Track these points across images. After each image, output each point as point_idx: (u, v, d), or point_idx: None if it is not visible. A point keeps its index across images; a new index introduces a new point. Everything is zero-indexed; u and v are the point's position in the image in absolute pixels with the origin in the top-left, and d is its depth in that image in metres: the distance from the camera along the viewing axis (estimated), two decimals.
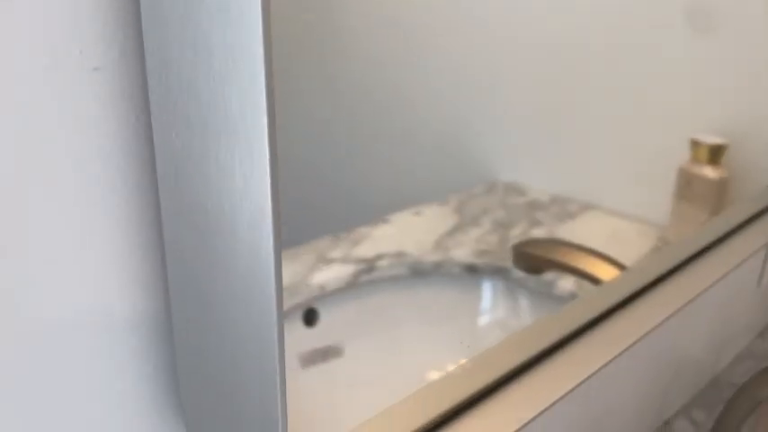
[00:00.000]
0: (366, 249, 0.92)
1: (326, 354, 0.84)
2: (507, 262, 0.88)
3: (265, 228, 0.27)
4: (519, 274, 0.80)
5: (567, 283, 0.71)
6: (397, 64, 1.24)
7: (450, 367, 0.49)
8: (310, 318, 0.88)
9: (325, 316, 0.85)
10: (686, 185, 0.94)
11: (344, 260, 0.89)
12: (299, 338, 0.88)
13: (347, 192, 1.33)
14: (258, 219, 0.27)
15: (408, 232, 1.00)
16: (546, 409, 0.33)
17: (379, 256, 0.91)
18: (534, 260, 0.56)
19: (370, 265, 0.90)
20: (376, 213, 1.07)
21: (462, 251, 0.97)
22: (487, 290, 0.92)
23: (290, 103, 1.09)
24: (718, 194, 0.85)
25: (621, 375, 0.46)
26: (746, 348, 0.70)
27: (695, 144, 0.93)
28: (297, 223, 1.30)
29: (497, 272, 0.89)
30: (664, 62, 0.98)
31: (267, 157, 0.27)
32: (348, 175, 1.33)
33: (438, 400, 0.30)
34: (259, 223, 0.28)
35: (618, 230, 0.94)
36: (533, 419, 0.33)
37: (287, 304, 0.88)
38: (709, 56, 0.92)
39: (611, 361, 0.35)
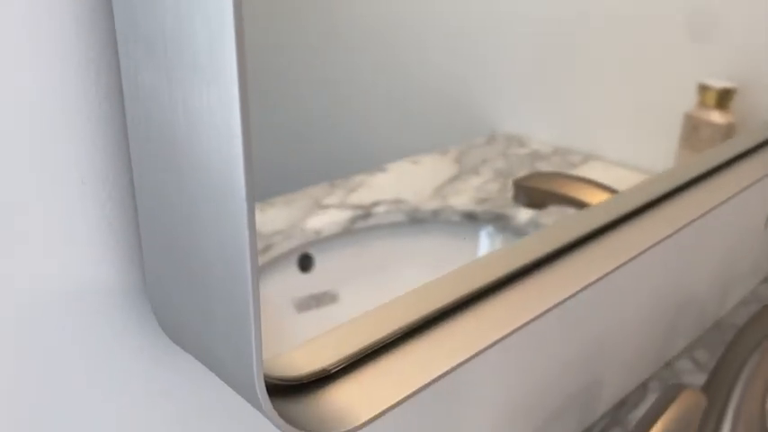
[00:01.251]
0: (362, 196, 0.90)
1: (320, 300, 0.82)
2: (507, 209, 0.86)
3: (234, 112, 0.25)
4: (519, 221, 0.78)
5: None
6: (397, 10, 1.21)
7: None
8: (305, 263, 0.86)
9: (321, 262, 0.84)
10: (692, 132, 0.91)
11: (340, 206, 0.87)
12: (295, 284, 0.86)
13: (345, 143, 1.31)
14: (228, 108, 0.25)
15: (406, 180, 0.98)
16: (526, 323, 0.32)
17: (376, 203, 0.89)
18: (536, 194, 0.54)
19: (366, 211, 0.88)
20: (374, 164, 1.05)
21: (461, 199, 0.95)
22: (486, 237, 0.90)
23: (289, 49, 1.07)
24: (725, 140, 0.83)
25: (618, 303, 0.44)
26: (751, 292, 0.68)
27: (703, 88, 0.90)
28: (293, 172, 1.28)
29: (497, 219, 0.87)
30: (668, 3, 0.94)
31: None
32: (346, 126, 1.30)
33: (417, 307, 0.29)
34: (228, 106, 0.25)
35: (621, 180, 0.92)
36: (516, 330, 0.31)
37: (281, 249, 0.86)
38: None
39: (606, 275, 0.33)
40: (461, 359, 0.25)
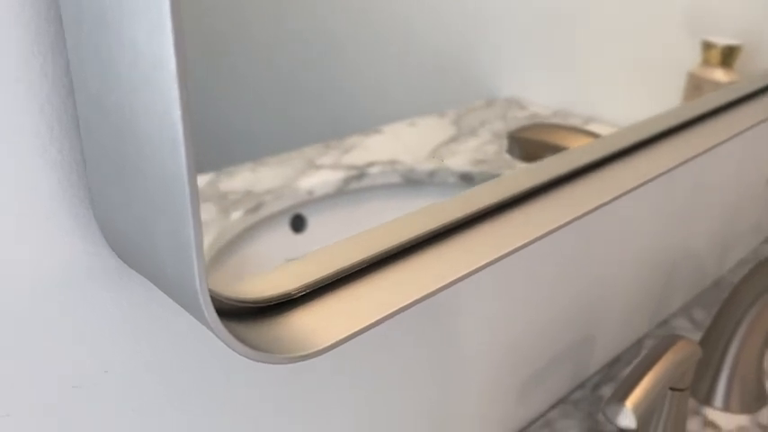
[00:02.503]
0: (357, 157, 0.89)
1: None
2: (505, 170, 0.84)
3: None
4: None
5: None
6: None
7: None
8: (298, 224, 0.84)
9: (314, 223, 0.82)
10: (695, 91, 0.89)
11: (334, 167, 0.86)
12: (287, 244, 0.84)
13: (344, 105, 1.29)
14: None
15: (402, 142, 0.97)
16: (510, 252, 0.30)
17: (371, 164, 0.87)
18: (531, 145, 0.52)
19: (360, 171, 0.86)
20: (373, 127, 1.04)
21: (458, 160, 0.93)
22: None
23: (288, 7, 1.04)
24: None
25: (612, 254, 0.42)
26: (752, 252, 0.67)
27: (707, 46, 0.87)
28: (289, 132, 1.26)
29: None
30: None
31: None
32: (345, 88, 1.28)
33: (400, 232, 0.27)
34: None
35: None
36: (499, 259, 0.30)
37: (272, 209, 0.85)
38: None
39: (597, 208, 0.31)
40: (432, 289, 0.23)
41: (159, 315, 0.37)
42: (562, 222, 0.28)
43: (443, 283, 0.23)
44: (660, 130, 0.37)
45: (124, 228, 0.31)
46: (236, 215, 0.71)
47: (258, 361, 0.22)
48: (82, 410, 0.37)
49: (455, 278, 0.24)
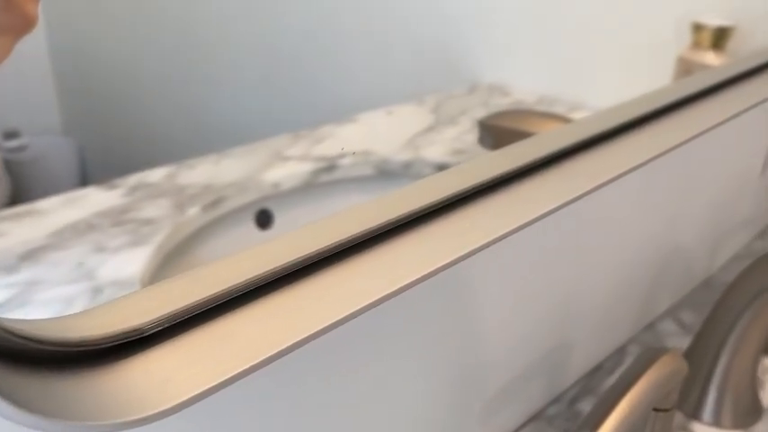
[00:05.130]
0: (328, 147, 0.84)
1: None
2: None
3: None
4: None
5: None
6: None
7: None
8: (263, 219, 0.79)
9: (281, 218, 0.77)
10: (685, 75, 0.84)
11: (303, 158, 0.81)
12: (252, 242, 0.78)
13: (321, 94, 1.24)
14: None
15: (378, 131, 0.92)
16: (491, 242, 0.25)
17: (342, 155, 0.82)
18: (503, 134, 0.48)
19: (331, 163, 0.81)
20: (351, 115, 0.99)
21: (435, 150, 0.88)
22: None
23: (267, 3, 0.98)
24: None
25: (592, 253, 0.37)
26: (745, 248, 0.62)
27: (698, 28, 0.82)
28: (260, 123, 1.20)
29: None
30: None
31: None
32: (323, 76, 1.24)
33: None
34: None
35: None
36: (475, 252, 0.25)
37: (235, 203, 0.79)
38: None
39: (571, 201, 0.27)
40: (349, 312, 0.19)
41: None
42: (529, 218, 0.24)
43: (360, 306, 0.19)
44: (644, 114, 0.33)
45: None
46: (192, 211, 0.66)
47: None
48: None
49: (378, 298, 0.19)
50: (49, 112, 1.35)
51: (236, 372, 0.17)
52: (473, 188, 0.27)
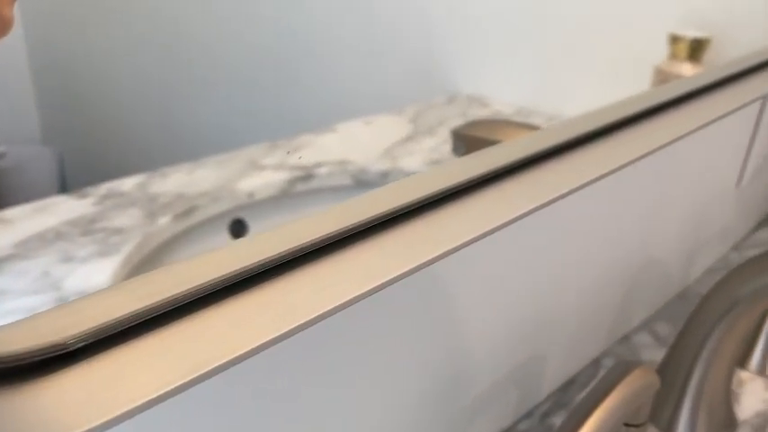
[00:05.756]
0: (305, 156, 0.83)
1: None
2: None
3: None
4: None
5: None
6: None
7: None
8: (238, 229, 0.78)
9: (256, 228, 0.76)
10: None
11: (279, 167, 0.80)
12: None
13: (301, 104, 1.24)
14: None
15: (356, 141, 0.91)
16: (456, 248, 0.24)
17: (319, 164, 0.82)
18: (476, 143, 0.47)
19: (307, 172, 0.80)
20: (329, 125, 0.98)
21: (413, 160, 0.87)
22: None
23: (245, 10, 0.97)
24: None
25: (565, 265, 0.37)
26: (721, 260, 0.62)
27: (675, 39, 0.83)
28: (238, 133, 1.19)
29: None
30: None
31: None
32: (303, 85, 1.23)
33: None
34: None
35: None
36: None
37: (207, 213, 0.78)
38: None
39: (541, 206, 0.26)
40: (290, 327, 0.18)
41: None
42: (497, 224, 0.23)
43: (304, 320, 0.17)
44: (616, 121, 0.32)
45: None
46: (163, 220, 0.65)
47: None
48: None
49: (328, 309, 0.18)
50: (29, 121, 1.33)
51: (168, 388, 0.16)
52: (441, 192, 0.27)
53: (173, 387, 0.16)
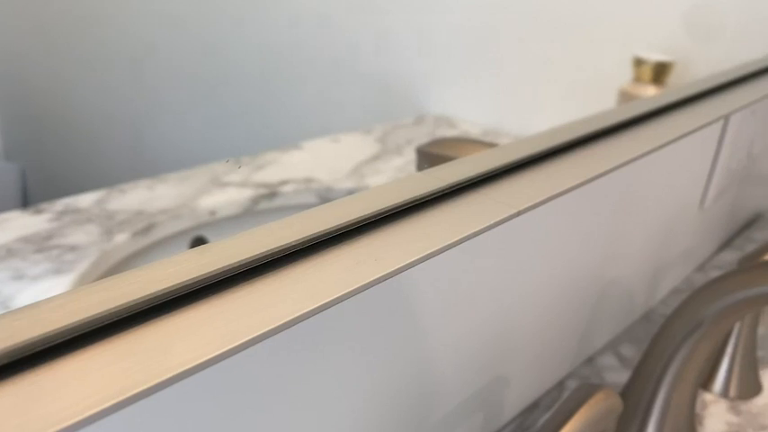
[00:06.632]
0: (270, 174, 0.82)
1: None
2: None
3: None
4: None
5: None
6: None
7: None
8: None
9: None
10: None
11: (243, 184, 0.78)
12: None
13: (269, 121, 1.22)
14: None
15: (323, 159, 0.90)
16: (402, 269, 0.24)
17: (284, 182, 0.80)
18: (439, 160, 0.46)
19: (272, 190, 0.79)
20: (295, 143, 0.97)
21: (380, 179, 0.87)
22: None
23: (209, 20, 0.96)
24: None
25: (527, 285, 0.36)
26: (685, 281, 0.62)
27: (639, 62, 0.84)
28: (207, 150, 1.16)
29: None
30: None
31: None
32: (272, 105, 1.22)
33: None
34: None
35: None
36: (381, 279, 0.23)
37: (167, 230, 0.76)
38: None
39: (499, 223, 0.25)
40: (207, 357, 0.16)
41: None
42: (456, 239, 0.22)
43: (229, 347, 0.16)
44: (579, 137, 0.32)
45: None
46: (121, 238, 0.63)
47: None
48: None
49: (257, 333, 0.17)
50: None
51: (95, 410, 0.15)
52: (396, 207, 0.26)
53: (99, 410, 0.15)
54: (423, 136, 1.01)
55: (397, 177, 0.84)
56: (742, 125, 0.53)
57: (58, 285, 0.57)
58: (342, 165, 0.89)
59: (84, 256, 0.60)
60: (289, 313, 0.20)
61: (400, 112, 1.19)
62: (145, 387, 0.16)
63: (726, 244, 0.69)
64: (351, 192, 0.83)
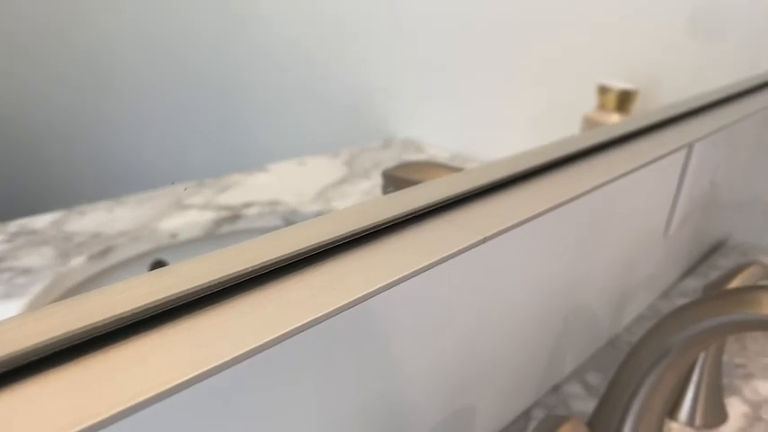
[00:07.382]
0: (234, 196, 0.80)
1: None
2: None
3: None
4: None
5: None
6: (299, 13, 1.13)
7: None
8: None
9: None
10: None
11: (205, 207, 0.77)
12: None
13: (235, 144, 1.21)
14: None
15: (288, 182, 0.89)
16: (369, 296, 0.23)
17: (248, 204, 0.79)
18: (405, 183, 0.46)
19: (235, 213, 0.77)
20: (260, 165, 0.96)
21: (347, 202, 0.86)
22: None
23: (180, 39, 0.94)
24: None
25: (492, 313, 0.35)
26: (650, 307, 0.62)
27: (603, 90, 0.84)
28: (170, 172, 1.14)
29: None
30: (568, 8, 0.89)
31: None
32: (238, 127, 1.21)
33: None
34: None
35: None
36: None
37: (126, 253, 0.74)
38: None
39: (464, 250, 0.25)
40: (174, 383, 0.15)
41: None
42: (419, 266, 0.21)
43: (193, 374, 0.15)
44: (543, 163, 0.31)
45: None
46: (77, 261, 0.61)
47: None
48: None
49: (213, 366, 0.16)
50: None
51: None
52: (362, 230, 0.25)
53: None
54: (390, 160, 1.00)
55: (363, 201, 0.83)
56: (706, 153, 0.53)
57: (7, 311, 0.55)
58: (308, 188, 0.88)
59: (37, 280, 0.58)
60: (232, 351, 0.18)
61: (368, 135, 1.18)
62: (96, 420, 0.15)
63: (690, 271, 0.69)
64: (317, 215, 0.82)
